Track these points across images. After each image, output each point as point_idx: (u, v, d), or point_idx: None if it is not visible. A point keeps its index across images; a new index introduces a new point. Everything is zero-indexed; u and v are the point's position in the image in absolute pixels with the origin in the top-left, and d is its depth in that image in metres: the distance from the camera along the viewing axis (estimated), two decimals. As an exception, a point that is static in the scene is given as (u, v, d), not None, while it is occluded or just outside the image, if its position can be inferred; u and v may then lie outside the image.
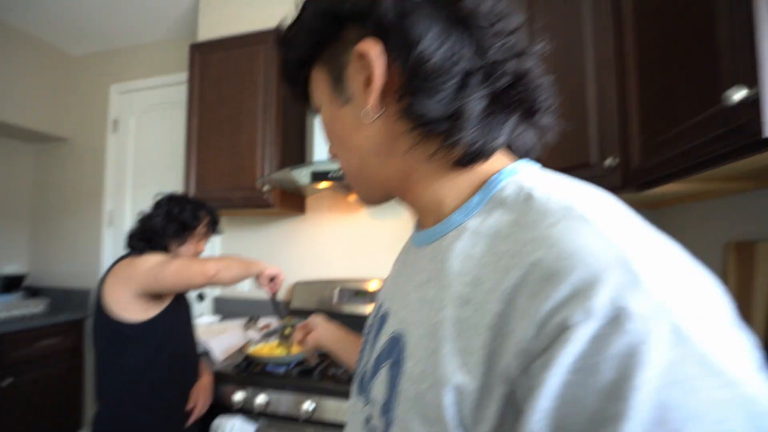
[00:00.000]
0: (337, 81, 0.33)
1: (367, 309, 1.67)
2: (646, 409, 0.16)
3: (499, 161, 0.32)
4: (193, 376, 1.18)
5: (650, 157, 0.90)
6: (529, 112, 0.31)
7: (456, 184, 0.32)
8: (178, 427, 1.11)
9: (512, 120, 0.30)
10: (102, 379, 1.05)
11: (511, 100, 0.29)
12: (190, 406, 1.13)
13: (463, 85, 0.28)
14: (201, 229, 1.20)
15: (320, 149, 1.55)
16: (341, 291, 1.72)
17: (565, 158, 1.10)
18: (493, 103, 0.29)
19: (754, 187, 0.89)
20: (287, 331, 1.27)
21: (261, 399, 1.16)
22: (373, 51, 0.29)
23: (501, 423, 0.21)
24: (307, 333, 0.71)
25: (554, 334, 0.19)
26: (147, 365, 1.04)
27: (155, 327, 1.06)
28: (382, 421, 0.30)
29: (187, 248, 1.18)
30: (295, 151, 1.84)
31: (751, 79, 0.55)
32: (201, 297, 1.77)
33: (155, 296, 1.06)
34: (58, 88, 2.38)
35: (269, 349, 1.32)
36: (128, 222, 2.25)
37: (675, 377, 0.16)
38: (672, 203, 1.28)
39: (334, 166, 1.37)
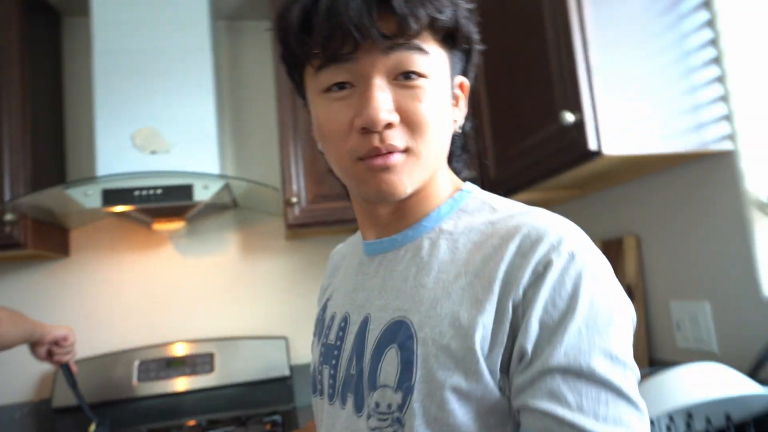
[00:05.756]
0: (452, 82, 0.53)
1: (181, 383, 1.64)
2: (586, 301, 0.40)
3: (454, 179, 0.58)
4: None
5: (503, 169, 1.31)
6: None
7: (441, 192, 0.55)
8: None
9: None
10: None
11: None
12: None
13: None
14: None
15: (109, 156, 1.47)
16: (142, 364, 1.64)
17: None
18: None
19: (580, 194, 1.42)
20: (92, 428, 1.21)
21: None
22: (467, 90, 0.57)
23: (509, 343, 0.42)
24: None
25: (542, 270, 0.41)
26: None
27: None
28: (398, 395, 0.45)
29: None
30: (52, 159, 1.68)
31: (576, 105, 0.95)
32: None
33: None
34: None
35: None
36: None
37: (598, 288, 0.41)
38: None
39: (141, 181, 1.35)
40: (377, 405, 0.47)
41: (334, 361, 0.56)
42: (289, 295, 1.87)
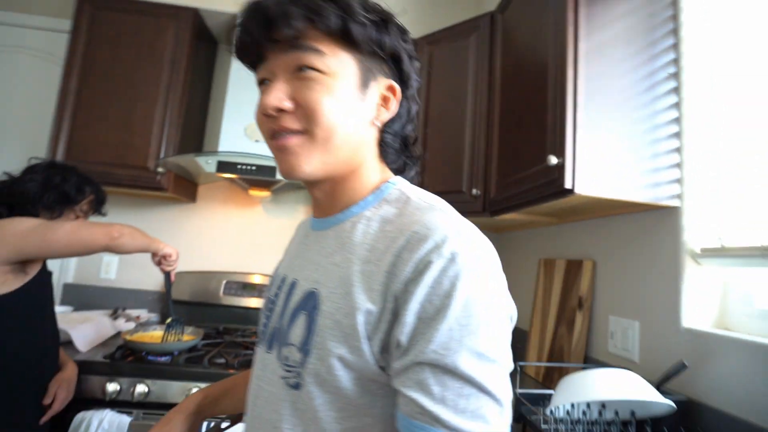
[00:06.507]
0: (365, 82, 0.44)
1: (251, 302, 1.70)
2: (461, 301, 0.33)
3: (385, 174, 0.49)
4: (51, 367, 1.05)
5: (501, 192, 1.24)
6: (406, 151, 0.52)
7: (369, 183, 0.47)
8: (31, 425, 0.98)
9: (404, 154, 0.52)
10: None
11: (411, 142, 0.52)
12: (47, 400, 1.01)
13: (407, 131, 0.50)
14: (84, 206, 1.09)
15: (228, 139, 1.54)
16: (228, 283, 1.71)
17: (445, 184, 1.40)
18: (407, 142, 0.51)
19: (558, 222, 1.32)
20: (168, 320, 1.25)
21: (141, 388, 1.11)
22: (398, 93, 0.47)
23: (389, 330, 0.36)
24: None
25: (423, 267, 0.34)
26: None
27: (11, 303, 0.93)
28: (299, 354, 0.40)
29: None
30: (194, 136, 1.77)
31: (561, 152, 0.88)
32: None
33: (21, 266, 0.94)
34: None
35: (151, 338, 1.25)
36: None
37: (474, 289, 0.34)
38: (509, 229, 1.72)
39: (242, 159, 1.40)
40: (287, 358, 0.42)
41: (268, 313, 0.49)
42: (334, 256, 1.87)
